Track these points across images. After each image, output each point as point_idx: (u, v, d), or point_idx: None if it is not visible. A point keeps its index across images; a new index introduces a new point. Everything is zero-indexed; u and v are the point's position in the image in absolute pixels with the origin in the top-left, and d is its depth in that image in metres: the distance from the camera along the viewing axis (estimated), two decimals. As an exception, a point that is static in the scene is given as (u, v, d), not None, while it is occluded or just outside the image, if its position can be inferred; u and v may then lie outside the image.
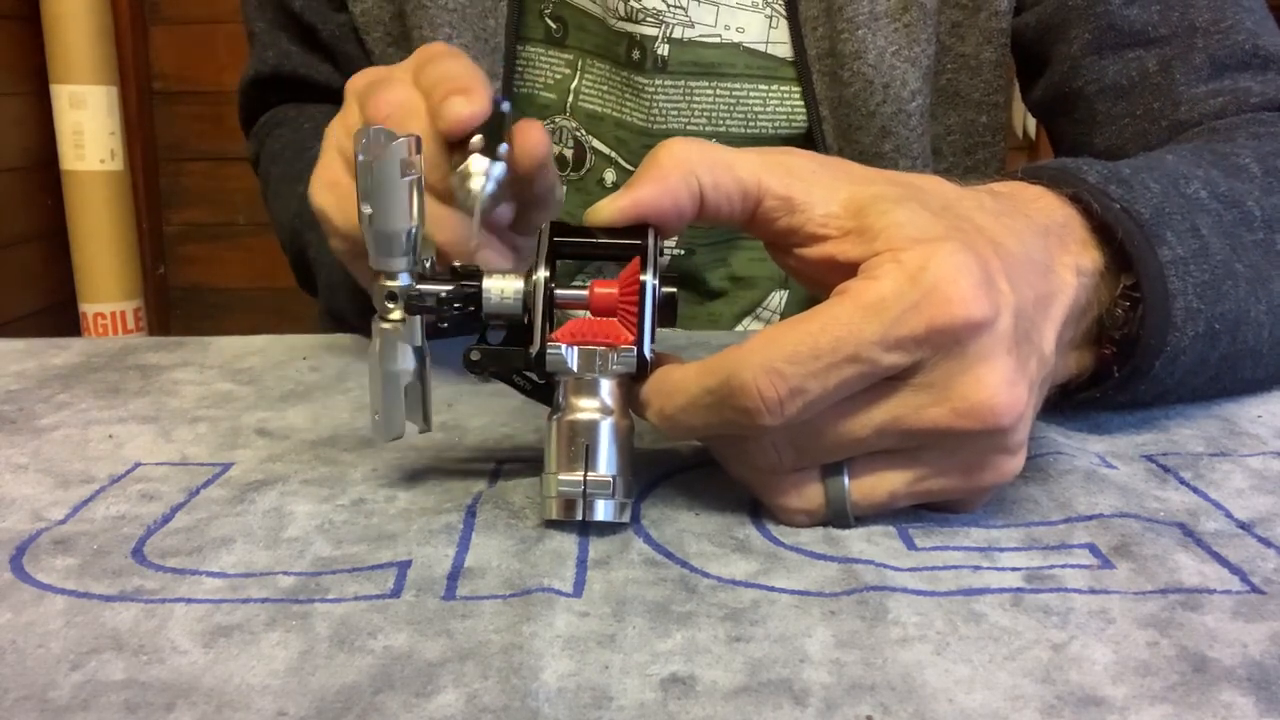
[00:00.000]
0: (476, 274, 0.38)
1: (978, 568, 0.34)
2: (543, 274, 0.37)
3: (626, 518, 0.37)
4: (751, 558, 0.35)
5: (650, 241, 0.37)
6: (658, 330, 0.37)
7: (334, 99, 0.51)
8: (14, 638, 0.30)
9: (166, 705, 0.27)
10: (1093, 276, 0.40)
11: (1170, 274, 0.41)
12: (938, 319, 0.33)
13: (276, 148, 0.75)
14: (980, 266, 0.34)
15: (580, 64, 0.70)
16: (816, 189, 0.36)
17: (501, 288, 0.38)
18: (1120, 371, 0.43)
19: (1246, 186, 0.48)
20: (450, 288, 0.38)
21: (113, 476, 0.42)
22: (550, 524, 0.37)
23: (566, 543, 0.36)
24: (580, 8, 0.69)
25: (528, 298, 0.37)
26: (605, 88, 0.70)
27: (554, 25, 0.70)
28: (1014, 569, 0.34)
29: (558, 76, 0.71)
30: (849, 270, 0.35)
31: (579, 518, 0.36)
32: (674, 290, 0.37)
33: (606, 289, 0.37)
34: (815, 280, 0.38)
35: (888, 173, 0.38)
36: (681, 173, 0.36)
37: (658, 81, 0.68)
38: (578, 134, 0.72)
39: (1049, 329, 0.37)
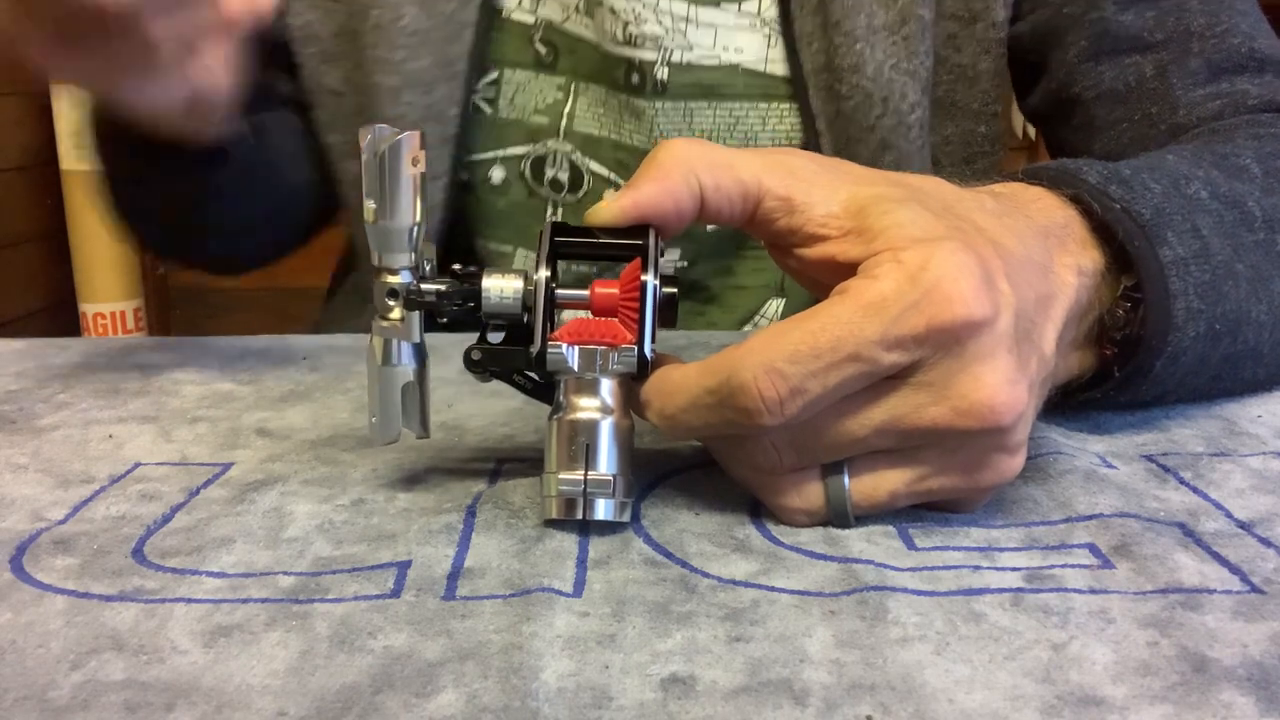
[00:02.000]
0: (476, 274, 0.38)
1: (978, 568, 0.34)
2: (544, 274, 0.37)
3: (626, 517, 0.37)
4: (751, 558, 0.35)
5: (651, 241, 0.37)
6: (658, 330, 0.37)
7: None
8: (14, 638, 0.30)
9: (166, 705, 0.27)
10: (1093, 277, 0.40)
11: (1171, 274, 0.41)
12: (938, 318, 0.33)
13: None
14: (980, 266, 0.34)
15: (573, 87, 0.70)
16: (816, 189, 0.36)
17: (500, 287, 0.38)
18: (1121, 371, 0.43)
19: (1247, 187, 0.48)
20: (450, 285, 0.38)
21: (113, 476, 0.42)
22: (550, 524, 0.37)
23: (566, 542, 0.36)
24: (573, 35, 0.69)
25: (527, 297, 0.37)
26: (601, 110, 0.70)
27: (544, 50, 0.70)
28: (1014, 569, 0.34)
29: (549, 100, 0.70)
30: (849, 270, 0.35)
31: (579, 517, 0.36)
32: (674, 290, 0.37)
33: (607, 289, 0.37)
34: (815, 280, 0.38)
35: (888, 173, 0.38)
36: (682, 172, 0.36)
37: (658, 104, 0.67)
38: (572, 157, 0.71)
39: (1049, 329, 0.37)
